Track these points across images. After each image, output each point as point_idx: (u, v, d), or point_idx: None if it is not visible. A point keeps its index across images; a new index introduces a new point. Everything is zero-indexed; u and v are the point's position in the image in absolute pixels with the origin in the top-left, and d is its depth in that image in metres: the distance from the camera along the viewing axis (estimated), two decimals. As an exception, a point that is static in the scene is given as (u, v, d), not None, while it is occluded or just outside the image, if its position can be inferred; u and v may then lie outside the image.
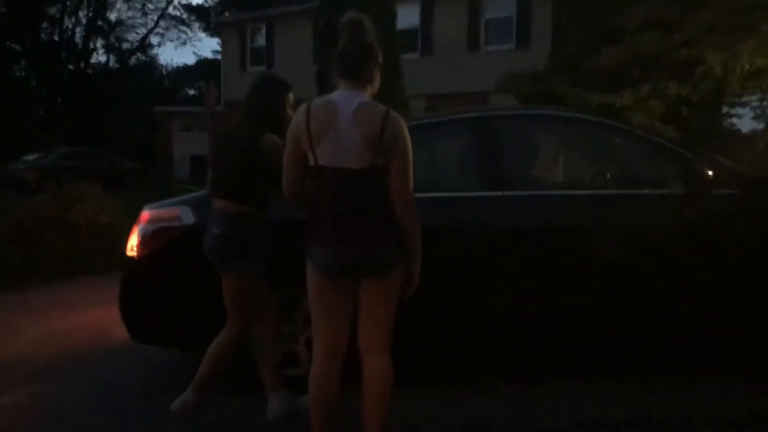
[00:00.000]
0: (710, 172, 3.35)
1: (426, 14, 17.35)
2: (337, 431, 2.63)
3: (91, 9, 31.32)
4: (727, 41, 9.28)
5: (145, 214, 3.61)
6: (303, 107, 2.48)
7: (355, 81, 2.47)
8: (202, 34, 38.87)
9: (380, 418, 2.56)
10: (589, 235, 3.43)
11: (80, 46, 31.55)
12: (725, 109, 11.81)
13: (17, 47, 30.69)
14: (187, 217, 3.49)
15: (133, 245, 3.56)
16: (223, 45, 24.33)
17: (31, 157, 19.40)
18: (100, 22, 32.21)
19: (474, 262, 3.41)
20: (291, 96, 3.11)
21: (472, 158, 3.76)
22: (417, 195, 2.54)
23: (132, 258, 3.57)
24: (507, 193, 3.47)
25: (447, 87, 16.17)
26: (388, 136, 2.39)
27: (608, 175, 4.04)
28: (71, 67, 31.43)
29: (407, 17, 15.83)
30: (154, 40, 44.55)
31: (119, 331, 3.84)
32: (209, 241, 3.01)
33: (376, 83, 2.57)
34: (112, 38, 33.32)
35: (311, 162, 2.46)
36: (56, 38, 31.00)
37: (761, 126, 12.33)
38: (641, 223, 3.43)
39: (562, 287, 3.38)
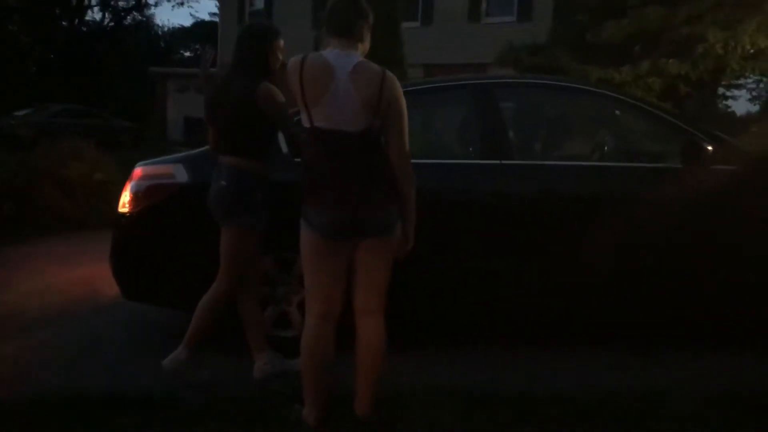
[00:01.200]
0: (710, 148, 3.34)
1: (427, -18, 17.12)
2: (330, 393, 2.64)
3: (86, -35, 30.72)
4: (731, 20, 9.21)
5: (138, 171, 3.58)
6: (296, 61, 2.42)
7: (347, 39, 2.44)
8: (200, -5, 38.23)
9: (374, 381, 2.58)
10: (586, 207, 3.44)
11: (74, 3, 30.97)
12: (721, 90, 11.80)
13: (11, 2, 30.14)
14: (181, 174, 3.47)
15: (125, 202, 3.54)
16: (221, 7, 23.95)
17: (22, 112, 19.18)
18: (95, -21, 31.63)
19: (472, 229, 3.42)
20: (281, 41, 3.06)
21: (472, 126, 3.74)
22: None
23: (123, 214, 3.56)
24: (505, 162, 3.46)
25: (446, 57, 16.03)
26: (385, 98, 2.37)
27: (606, 147, 4.03)
28: (65, 23, 30.92)
29: (409, -15, 15.63)
30: (150, -1, 43.77)
31: (111, 288, 3.84)
32: (215, 193, 2.99)
33: (367, 43, 2.54)
34: (107, -5, 32.73)
35: (306, 123, 2.43)
36: (51, -6, 30.41)
37: (756, 108, 12.33)
38: (638, 196, 3.43)
39: (558, 257, 3.40)
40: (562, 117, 4.15)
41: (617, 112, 3.91)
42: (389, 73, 2.41)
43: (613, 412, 2.77)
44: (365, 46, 2.53)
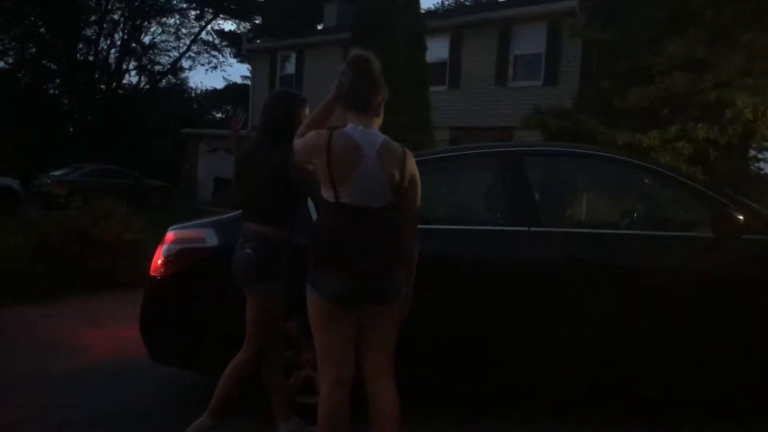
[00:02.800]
0: (740, 216, 3.29)
1: (455, 48, 17.47)
2: None
3: (126, 32, 32.06)
4: (759, 85, 9.22)
5: (170, 235, 3.62)
6: (323, 136, 2.51)
7: (365, 113, 2.56)
8: (233, 60, 39.61)
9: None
10: (616, 275, 3.40)
11: (113, 67, 32.24)
12: (752, 152, 11.71)
13: (53, 66, 31.44)
14: (212, 239, 3.51)
15: (156, 264, 3.58)
16: (253, 71, 24.71)
17: (58, 172, 19.73)
18: (134, 45, 32.94)
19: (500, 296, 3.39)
20: (306, 109, 3.12)
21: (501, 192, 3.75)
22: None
23: (155, 277, 3.59)
24: (533, 228, 3.45)
25: (473, 120, 16.22)
26: (408, 175, 2.55)
27: (635, 215, 4.00)
28: (103, 87, 32.09)
29: (437, 50, 15.97)
30: (185, 63, 45.37)
31: (138, 349, 3.84)
32: (240, 260, 3.00)
33: (381, 116, 2.64)
34: (144, 60, 34.02)
35: (330, 198, 2.50)
36: (91, 58, 31.70)
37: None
38: (669, 265, 3.38)
39: (587, 325, 3.34)
40: (590, 185, 4.14)
41: (646, 180, 3.89)
42: (409, 152, 2.59)
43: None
44: (380, 120, 2.63)
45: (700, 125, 9.57)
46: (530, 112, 11.87)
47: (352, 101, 2.56)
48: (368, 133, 2.52)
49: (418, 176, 2.61)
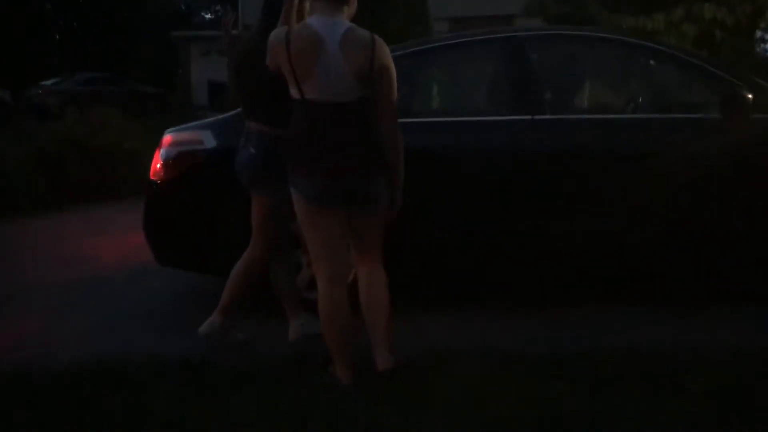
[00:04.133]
0: (749, 96, 3.21)
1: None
2: (355, 352, 2.66)
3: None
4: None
5: (167, 138, 3.59)
6: (280, 33, 2.41)
7: (332, 2, 2.39)
8: (220, -44, 37.79)
9: (386, 330, 2.61)
10: (620, 161, 3.37)
11: (96, -32, 30.92)
12: (759, 33, 11.39)
13: (32, -30, 30.18)
14: (209, 140, 3.48)
15: (155, 169, 3.56)
16: (240, -33, 23.70)
17: (50, 82, 19.35)
18: (115, -57, 31.44)
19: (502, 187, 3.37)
20: (307, 4, 2.88)
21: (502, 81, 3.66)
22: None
23: (154, 181, 3.58)
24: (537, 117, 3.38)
25: (472, 10, 15.66)
26: (376, 65, 2.36)
27: (640, 99, 3.92)
28: (87, -10, 30.91)
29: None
30: (170, -38, 43.43)
31: (144, 255, 3.87)
32: (244, 160, 2.97)
33: (354, 5, 2.49)
34: (127, -41, 32.57)
35: (296, 95, 2.42)
36: (72, -40, 30.36)
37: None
38: (675, 149, 3.33)
39: (592, 212, 3.33)
40: (594, 69, 4.03)
41: (652, 62, 3.78)
42: (379, 39, 2.39)
43: (645, 370, 2.69)
44: (351, 9, 2.49)
45: (707, 5, 9.24)
46: (531, -1, 11.45)
47: None
48: (333, 23, 2.37)
49: (391, 66, 2.42)
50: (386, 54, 2.40)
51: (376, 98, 2.42)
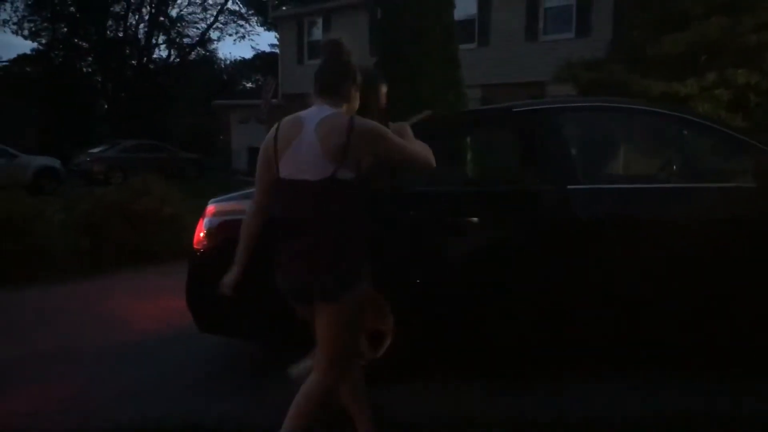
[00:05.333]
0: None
1: (483, 4, 17.12)
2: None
3: (153, 6, 32.25)
4: (801, 25, 8.88)
5: (211, 208, 3.69)
6: (273, 129, 2.47)
7: (331, 98, 2.42)
8: (260, 28, 39.54)
9: (295, 419, 2.41)
10: (654, 229, 3.37)
11: (143, 42, 32.50)
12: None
13: (84, 44, 31.81)
14: (252, 211, 3.55)
15: (199, 237, 3.66)
16: (280, 39, 24.62)
17: (97, 149, 20.12)
18: (161, 18, 33.11)
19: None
20: (384, 87, 2.94)
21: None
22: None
23: (198, 250, 3.67)
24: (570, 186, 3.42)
25: (503, 77, 15.95)
26: (354, 145, 2.30)
27: (675, 168, 3.94)
28: (134, 62, 32.40)
29: (465, 7, 15.65)
30: (213, 34, 45.56)
31: (185, 320, 3.92)
32: None
33: (354, 102, 2.51)
34: (173, 33, 34.19)
35: (275, 176, 2.41)
36: (120, 35, 31.98)
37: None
38: (708, 217, 3.35)
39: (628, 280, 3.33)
40: (627, 139, 4.08)
41: (685, 132, 3.82)
42: (359, 120, 2.35)
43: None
44: (352, 105, 2.49)
45: (740, 71, 9.26)
46: (561, 66, 11.60)
47: (318, 85, 2.44)
48: (320, 110, 2.39)
49: (381, 136, 2.36)
50: (367, 130, 2.34)
51: (386, 167, 2.45)
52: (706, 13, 9.59)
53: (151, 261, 7.18)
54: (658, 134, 3.85)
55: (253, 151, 22.76)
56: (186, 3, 36.55)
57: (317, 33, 21.85)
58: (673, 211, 3.41)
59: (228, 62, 39.14)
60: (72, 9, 30.56)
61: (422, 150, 2.47)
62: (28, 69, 30.33)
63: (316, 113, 2.39)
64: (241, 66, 37.82)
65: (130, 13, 31.80)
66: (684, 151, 3.96)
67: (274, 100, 19.94)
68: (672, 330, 3.43)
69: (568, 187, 3.38)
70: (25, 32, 30.82)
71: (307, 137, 2.33)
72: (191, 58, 35.35)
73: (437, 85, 9.61)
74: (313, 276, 2.33)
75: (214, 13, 34.29)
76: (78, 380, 3.79)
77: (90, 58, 32.35)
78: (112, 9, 31.22)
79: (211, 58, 37.06)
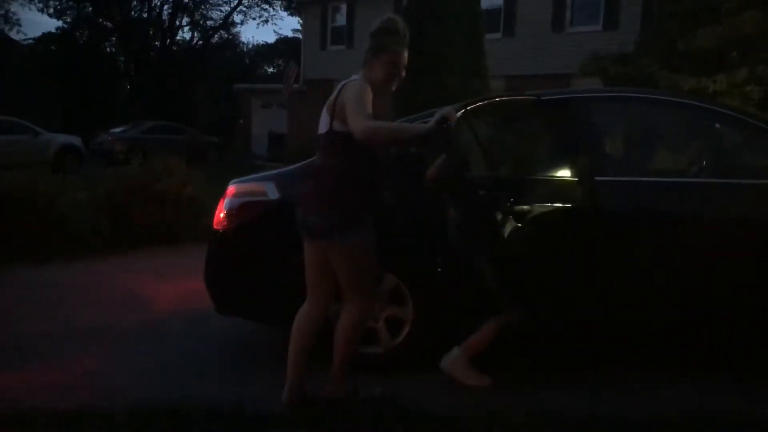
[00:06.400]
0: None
1: (510, -7, 16.95)
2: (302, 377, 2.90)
3: (178, -13, 32.29)
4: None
5: (231, 189, 3.68)
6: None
7: (362, 68, 2.83)
8: (284, 13, 39.48)
9: (341, 359, 2.92)
10: (683, 224, 3.32)
11: (167, 24, 32.59)
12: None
13: (108, 24, 31.98)
14: (272, 192, 3.55)
15: (219, 218, 3.64)
16: (304, 24, 24.57)
17: (118, 129, 20.24)
18: (186, 0, 33.12)
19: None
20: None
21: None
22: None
23: (218, 230, 3.66)
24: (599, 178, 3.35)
25: (528, 68, 15.79)
26: (339, 99, 2.68)
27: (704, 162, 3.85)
28: (158, 44, 32.53)
29: (491, -3, 15.51)
30: (236, 18, 45.47)
31: (204, 300, 3.93)
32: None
33: (375, 72, 2.78)
34: (197, 16, 34.25)
35: None
36: (145, 16, 32.10)
37: None
38: (738, 214, 3.29)
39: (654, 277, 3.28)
40: (659, 131, 3.98)
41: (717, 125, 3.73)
42: (349, 83, 2.72)
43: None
44: (373, 74, 2.78)
45: (772, 68, 9.07)
46: (588, 59, 11.45)
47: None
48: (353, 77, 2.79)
49: (351, 93, 2.63)
50: (348, 87, 2.68)
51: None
52: (738, 6, 9.39)
53: (171, 242, 7.20)
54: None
55: (273, 136, 22.84)
56: (211, -14, 36.39)
57: (341, 19, 21.76)
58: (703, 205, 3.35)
59: (251, 46, 39.24)
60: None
61: (374, 125, 2.60)
62: (52, 48, 30.54)
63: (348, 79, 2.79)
64: (264, 50, 37.87)
65: (155, -6, 31.94)
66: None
67: (295, 86, 20.04)
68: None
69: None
70: (50, 11, 31.08)
71: (330, 99, 2.77)
72: (214, 41, 35.43)
73: (462, 74, 9.55)
74: (313, 216, 2.74)
75: (238, -3, 34.28)
76: (94, 359, 3.80)
77: (114, 39, 32.55)
78: (137, -11, 31.38)
79: (233, 42, 37.13)
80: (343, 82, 2.75)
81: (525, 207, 3.31)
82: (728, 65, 9.48)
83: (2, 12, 29.22)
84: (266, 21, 55.95)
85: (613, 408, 3.02)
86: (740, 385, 3.31)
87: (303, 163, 3.58)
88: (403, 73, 2.85)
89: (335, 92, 2.73)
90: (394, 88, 2.89)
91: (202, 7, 34.07)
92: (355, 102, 2.60)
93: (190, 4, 33.57)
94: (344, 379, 2.99)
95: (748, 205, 3.33)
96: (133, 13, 31.60)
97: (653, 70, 9.92)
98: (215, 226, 3.67)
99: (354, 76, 2.78)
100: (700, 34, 9.62)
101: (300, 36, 27.04)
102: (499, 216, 3.31)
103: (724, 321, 3.35)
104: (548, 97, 3.58)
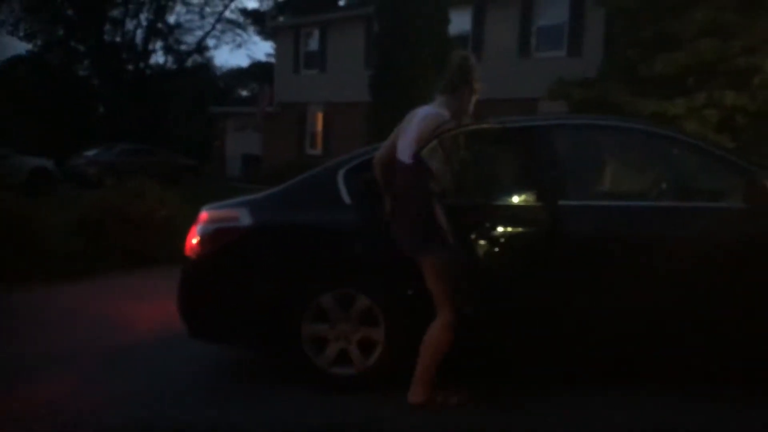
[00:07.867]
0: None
1: (478, 20, 17.28)
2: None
3: (151, 12, 32.27)
4: (789, 50, 9.04)
5: (204, 215, 3.69)
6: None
7: (440, 97, 3.29)
8: (257, 38, 39.52)
9: (424, 366, 3.15)
10: (642, 248, 3.44)
11: (140, 48, 32.51)
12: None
13: (81, 48, 31.83)
14: (245, 218, 3.55)
15: (192, 244, 3.65)
16: (277, 48, 24.73)
17: (91, 152, 20.10)
18: (159, 25, 33.12)
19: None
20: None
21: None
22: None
23: (190, 257, 3.67)
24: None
25: (496, 92, 15.97)
26: (422, 128, 3.16)
27: (664, 186, 4.00)
28: (131, 67, 32.41)
29: (459, 23, 15.80)
30: (210, 42, 45.56)
31: (176, 324, 3.93)
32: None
33: (458, 100, 3.30)
34: (170, 40, 34.17)
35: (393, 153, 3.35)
36: (118, 39, 32.02)
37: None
38: (698, 237, 3.41)
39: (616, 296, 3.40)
40: (617, 157, 4.14)
41: (675, 151, 3.89)
42: (423, 109, 3.27)
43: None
44: (458, 103, 3.30)
45: (728, 92, 9.42)
46: (554, 83, 11.76)
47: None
48: (430, 107, 3.29)
49: (413, 122, 3.19)
50: (413, 115, 3.27)
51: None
52: (696, 35, 9.76)
53: (146, 264, 7.19)
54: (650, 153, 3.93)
55: (247, 158, 22.89)
56: (184, 11, 36.49)
57: (313, 44, 21.96)
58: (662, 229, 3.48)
59: (224, 70, 39.25)
60: (69, 11, 30.60)
61: None
62: (23, 70, 30.29)
63: (426, 108, 3.26)
64: (237, 74, 37.88)
65: (128, 18, 31.87)
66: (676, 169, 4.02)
67: (269, 108, 20.15)
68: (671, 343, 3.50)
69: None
70: (21, 34, 30.85)
71: (409, 125, 3.22)
72: (188, 65, 35.38)
73: (431, 96, 9.75)
74: (400, 236, 3.19)
75: (212, 22, 34.35)
76: (68, 382, 3.79)
77: (87, 62, 32.38)
78: (110, 13, 31.27)
79: (207, 66, 37.11)
80: (423, 112, 3.24)
81: (493, 232, 3.42)
82: (687, 90, 9.81)
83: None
84: (239, 45, 56.08)
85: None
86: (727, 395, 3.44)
87: (278, 188, 3.64)
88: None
89: (417, 119, 3.21)
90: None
91: (176, 31, 34.08)
92: (419, 133, 3.10)
93: (164, 28, 33.57)
94: (428, 387, 3.21)
95: (704, 227, 3.44)
96: (106, 36, 31.49)
97: (616, 95, 10.23)
98: (187, 252, 3.67)
99: (427, 108, 3.26)
100: (660, 60, 9.96)
101: (273, 60, 27.20)
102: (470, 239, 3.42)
103: (685, 336, 3.46)
104: (512, 125, 3.73)
